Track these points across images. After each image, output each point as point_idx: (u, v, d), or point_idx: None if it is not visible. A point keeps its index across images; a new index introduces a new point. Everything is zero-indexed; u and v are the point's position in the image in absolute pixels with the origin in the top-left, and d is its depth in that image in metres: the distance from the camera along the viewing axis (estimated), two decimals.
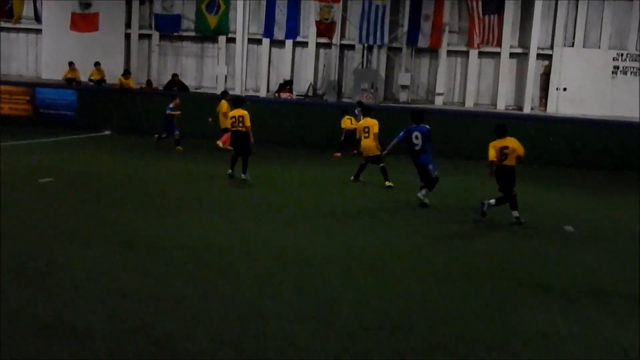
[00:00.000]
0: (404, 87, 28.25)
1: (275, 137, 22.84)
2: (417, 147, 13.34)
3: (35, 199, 11.98)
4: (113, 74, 28.07)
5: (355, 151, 21.67)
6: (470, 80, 28.28)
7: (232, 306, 6.68)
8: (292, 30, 27.58)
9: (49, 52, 30.20)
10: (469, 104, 28.10)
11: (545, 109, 27.41)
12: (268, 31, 27.79)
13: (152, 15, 29.86)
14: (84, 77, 27.67)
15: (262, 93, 29.14)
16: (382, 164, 15.64)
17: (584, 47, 27.36)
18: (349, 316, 6.58)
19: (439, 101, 28.29)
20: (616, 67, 26.89)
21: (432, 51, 28.45)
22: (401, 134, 13.63)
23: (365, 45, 28.18)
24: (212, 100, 22.78)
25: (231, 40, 28.94)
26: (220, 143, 20.74)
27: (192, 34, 29.54)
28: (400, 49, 28.55)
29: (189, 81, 29.32)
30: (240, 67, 28.28)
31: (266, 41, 29.06)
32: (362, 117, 17.66)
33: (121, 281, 7.31)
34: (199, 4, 27.95)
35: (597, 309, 7.34)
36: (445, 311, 6.93)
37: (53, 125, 24.84)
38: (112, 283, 7.21)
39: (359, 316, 6.60)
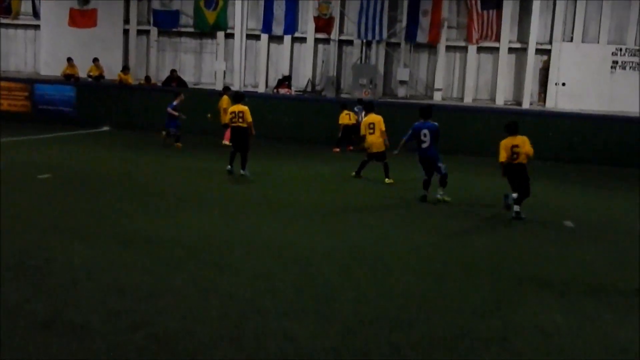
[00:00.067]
0: (402, 82, 28.24)
1: (274, 133, 22.80)
2: (425, 145, 13.31)
3: (34, 195, 11.97)
4: (111, 70, 28.06)
5: (352, 147, 21.72)
6: (469, 76, 28.26)
7: (231, 303, 6.69)
8: (291, 25, 27.57)
9: (48, 48, 30.17)
10: (468, 100, 28.09)
11: (544, 104, 27.40)
12: (266, 27, 27.78)
13: (150, 11, 29.82)
14: (82, 73, 27.64)
15: (261, 89, 29.13)
16: (385, 161, 15.63)
17: (582, 42, 27.33)
18: (348, 313, 6.59)
19: (437, 97, 28.27)
20: (615, 62, 26.86)
21: (431, 46, 28.42)
22: (409, 131, 13.59)
23: (364, 40, 28.15)
24: (213, 96, 22.78)
25: (230, 36, 28.94)
26: (227, 142, 20.60)
27: (191, 29, 29.51)
28: (398, 45, 28.52)
29: (188, 77, 29.30)
30: (239, 63, 28.30)
31: (265, 37, 29.03)
32: (363, 114, 17.69)
33: (120, 278, 7.31)
34: (197, 0, 27.93)
35: (596, 305, 7.35)
36: (444, 307, 6.94)
37: (52, 121, 24.85)
38: (111, 280, 7.22)
39: (358, 312, 6.61)
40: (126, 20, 30.15)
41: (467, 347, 5.88)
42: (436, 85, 28.44)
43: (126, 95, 25.85)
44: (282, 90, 27.52)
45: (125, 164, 16.49)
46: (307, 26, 28.76)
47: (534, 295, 7.54)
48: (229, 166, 15.55)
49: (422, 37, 27.41)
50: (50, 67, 29.38)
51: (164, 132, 20.58)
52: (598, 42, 27.21)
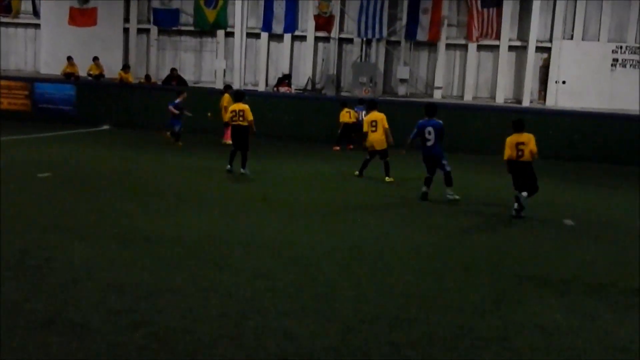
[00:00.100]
0: (402, 80, 28.25)
1: (274, 132, 22.79)
2: (430, 143, 13.30)
3: (34, 194, 11.97)
4: (111, 68, 28.06)
5: (352, 146, 21.72)
6: (469, 74, 28.27)
7: (231, 302, 6.68)
8: (291, 24, 27.58)
9: (48, 47, 30.18)
10: (468, 98, 28.10)
11: (544, 102, 27.42)
12: (266, 25, 27.79)
13: (150, 9, 29.84)
14: (82, 72, 27.64)
15: (261, 87, 29.15)
16: (387, 159, 15.62)
17: (583, 39, 27.35)
18: (348, 312, 6.59)
19: (437, 95, 28.28)
20: (615, 60, 26.88)
21: (431, 45, 28.44)
22: (414, 130, 13.57)
23: (364, 39, 28.17)
24: (213, 94, 22.80)
25: (230, 35, 28.94)
26: (227, 141, 20.61)
27: (191, 28, 29.53)
28: (399, 43, 28.53)
29: (188, 76, 29.32)
30: (239, 62, 28.28)
31: (265, 35, 29.04)
32: (363, 113, 17.65)
33: (120, 277, 7.31)
34: None
35: (596, 303, 7.34)
36: (444, 306, 6.94)
37: (52, 120, 24.87)
38: (111, 279, 7.21)
39: (358, 311, 6.61)
40: (126, 19, 30.17)
41: (467, 346, 5.87)
42: (436, 84, 28.45)
43: (126, 94, 25.87)
44: (282, 89, 27.53)
45: (125, 163, 16.48)
46: (307, 24, 28.77)
47: (534, 294, 7.54)
48: (229, 166, 15.55)
49: (422, 35, 27.42)
50: (50, 65, 29.39)
51: (168, 133, 20.54)
52: (598, 40, 27.23)
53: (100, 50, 28.46)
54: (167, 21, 29.26)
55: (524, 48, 27.51)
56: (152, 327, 5.90)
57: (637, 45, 26.89)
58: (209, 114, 21.37)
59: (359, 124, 20.90)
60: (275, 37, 29.07)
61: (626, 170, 20.31)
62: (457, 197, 13.25)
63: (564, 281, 8.09)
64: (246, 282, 7.35)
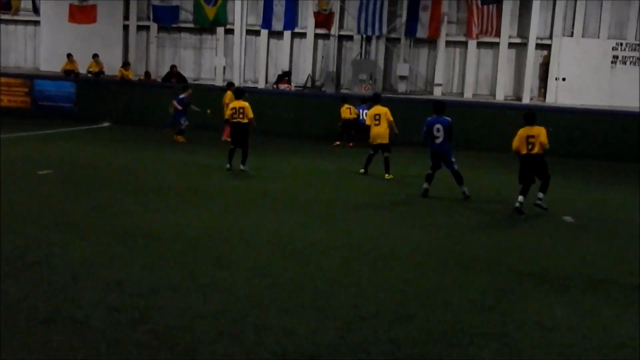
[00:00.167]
0: (402, 77, 28.23)
1: (274, 128, 22.77)
2: (439, 140, 13.27)
3: (34, 191, 11.97)
4: (111, 65, 28.04)
5: (352, 144, 21.71)
6: (469, 71, 28.24)
7: (231, 298, 6.69)
8: (291, 21, 27.55)
9: (47, 44, 30.15)
10: (468, 95, 28.07)
11: (544, 99, 27.39)
12: (266, 22, 27.77)
13: (150, 6, 29.80)
14: (82, 69, 27.61)
15: (261, 84, 29.12)
16: (388, 154, 15.60)
17: (583, 36, 27.31)
18: (348, 307, 6.59)
19: (437, 92, 28.26)
20: (615, 57, 26.85)
21: (431, 42, 28.41)
22: (424, 128, 13.52)
23: (364, 36, 28.15)
24: (212, 91, 22.79)
25: (229, 32, 28.93)
26: (227, 138, 20.60)
27: (190, 25, 29.48)
28: (398, 40, 28.51)
29: (188, 73, 29.26)
30: (239, 59, 28.27)
31: (264, 32, 29.00)
32: (365, 113, 17.61)
33: (120, 273, 7.32)
34: None
35: (595, 299, 7.36)
36: (444, 301, 6.95)
37: (52, 117, 24.84)
38: (110, 275, 7.22)
39: (357, 307, 6.62)
40: (126, 16, 30.12)
41: (466, 343, 5.88)
42: (436, 81, 28.42)
43: (126, 91, 25.84)
44: (282, 86, 27.50)
45: (125, 160, 16.48)
46: (307, 22, 28.74)
47: (533, 291, 7.54)
48: (228, 165, 15.53)
49: (422, 32, 27.39)
50: (50, 63, 29.36)
51: (176, 136, 20.52)
52: (598, 37, 27.19)
53: (100, 47, 28.43)
54: (166, 18, 29.23)
55: (524, 45, 27.47)
56: (152, 324, 5.90)
57: (637, 42, 26.86)
58: (209, 111, 21.35)
59: (359, 121, 20.90)
60: (275, 34, 29.04)
61: (626, 167, 20.31)
62: (468, 193, 13.27)
63: (564, 278, 8.10)
64: (246, 279, 7.36)
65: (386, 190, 14.27)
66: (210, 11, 27.76)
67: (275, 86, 27.90)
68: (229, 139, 16.66)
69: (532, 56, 27.30)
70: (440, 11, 27.32)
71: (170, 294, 6.72)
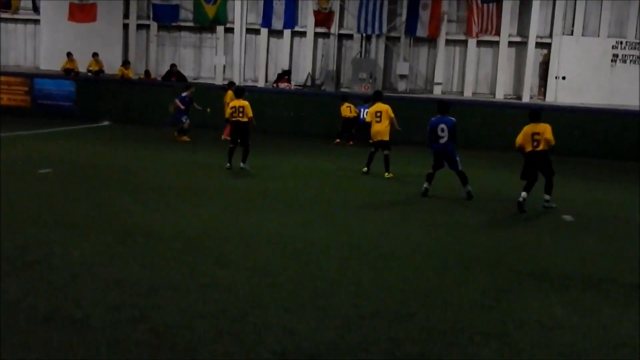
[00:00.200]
0: (402, 76, 28.22)
1: (274, 127, 22.77)
2: (443, 140, 13.24)
3: (35, 189, 11.97)
4: (111, 64, 28.05)
5: (352, 142, 21.71)
6: (468, 70, 28.23)
7: (231, 297, 6.69)
8: (290, 20, 27.53)
9: (47, 43, 30.14)
10: (468, 94, 28.06)
11: (544, 98, 27.37)
12: (266, 21, 27.74)
13: (150, 5, 29.77)
14: (82, 68, 27.62)
15: (261, 83, 29.10)
16: (388, 152, 15.59)
17: (583, 35, 27.29)
18: (348, 306, 6.59)
19: (437, 90, 28.26)
20: (615, 56, 26.83)
21: (431, 40, 28.39)
22: (428, 128, 13.46)
23: (364, 34, 28.12)
24: (212, 90, 22.78)
25: (229, 31, 28.92)
26: (227, 137, 20.56)
27: (190, 24, 29.47)
28: (398, 39, 28.50)
29: (187, 72, 29.26)
30: (239, 57, 28.26)
31: (264, 31, 28.98)
32: (365, 112, 17.60)
33: (120, 273, 7.32)
34: None
35: (595, 297, 7.36)
36: (444, 300, 6.94)
37: (51, 115, 24.86)
38: (110, 274, 7.22)
39: (357, 306, 6.61)
40: (126, 15, 30.10)
41: (466, 342, 5.88)
42: (436, 79, 28.41)
43: (126, 90, 25.84)
44: (282, 85, 27.50)
45: (125, 159, 16.48)
46: (306, 20, 28.73)
47: (533, 290, 7.54)
48: (228, 164, 15.53)
49: (421, 31, 27.36)
50: (50, 61, 29.35)
51: (176, 133, 20.50)
52: (598, 36, 27.18)
53: (99, 46, 28.44)
54: (166, 17, 29.20)
55: (524, 44, 27.45)
56: (151, 323, 5.90)
57: (637, 40, 26.84)
58: (208, 110, 21.36)
59: (360, 119, 20.89)
60: (275, 33, 29.01)
61: (626, 165, 20.31)
62: (472, 193, 13.26)
63: (564, 277, 8.10)
64: (246, 278, 7.36)
65: (386, 189, 14.27)
66: (210, 10, 27.75)
67: (275, 85, 27.90)
68: (229, 138, 16.67)
69: (532, 55, 27.29)
70: (440, 10, 27.30)
71: (170, 293, 6.72)
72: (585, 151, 21.96)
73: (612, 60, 26.78)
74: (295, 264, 8.09)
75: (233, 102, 15.95)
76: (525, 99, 27.09)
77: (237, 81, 26.35)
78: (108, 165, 15.22)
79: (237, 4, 27.41)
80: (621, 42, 26.78)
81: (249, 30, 29.18)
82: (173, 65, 28.00)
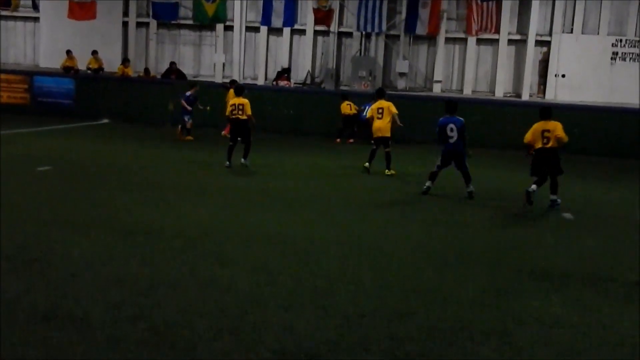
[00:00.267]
0: (402, 74, 28.22)
1: (274, 126, 22.75)
2: (453, 140, 13.18)
3: (34, 187, 11.97)
4: (111, 62, 28.04)
5: (352, 140, 21.71)
6: (468, 68, 28.22)
7: (230, 295, 6.69)
8: (290, 18, 27.51)
9: (47, 41, 30.13)
10: (467, 91, 28.07)
11: (544, 96, 27.36)
12: (266, 19, 27.72)
13: (149, 3, 29.74)
14: (81, 66, 27.62)
15: (260, 81, 29.10)
16: (389, 150, 15.58)
17: (582, 33, 27.27)
18: (347, 304, 6.59)
19: (437, 88, 28.25)
20: (615, 54, 26.82)
21: (430, 38, 28.38)
22: (437, 129, 13.34)
23: (363, 32, 28.11)
24: (212, 88, 22.77)
25: (229, 29, 28.91)
26: (226, 134, 20.52)
27: (190, 22, 29.45)
28: (398, 37, 28.48)
29: (187, 69, 29.26)
30: (238, 55, 28.25)
31: (264, 29, 28.97)
32: (367, 109, 17.61)
33: (119, 269, 7.32)
34: None
35: (595, 295, 7.36)
36: (443, 298, 6.94)
37: (51, 113, 24.84)
38: (110, 271, 7.22)
39: (357, 304, 6.61)
40: (125, 13, 30.09)
41: (466, 340, 5.87)
42: (435, 77, 28.41)
43: (125, 88, 25.83)
44: (282, 83, 27.50)
45: (124, 157, 16.48)
46: (306, 18, 28.72)
47: (533, 288, 7.54)
48: (227, 162, 15.53)
49: (421, 29, 27.35)
50: (50, 59, 29.34)
51: (179, 127, 20.48)
52: (598, 34, 27.16)
53: (99, 44, 28.43)
54: (166, 15, 29.15)
55: (524, 42, 27.44)
56: (151, 320, 5.90)
57: (637, 38, 26.81)
58: (207, 108, 21.34)
59: (361, 117, 20.87)
60: (275, 31, 29.00)
61: (626, 163, 20.30)
62: (474, 193, 13.26)
63: (564, 275, 8.10)
64: (245, 276, 7.35)
65: (387, 187, 14.26)
66: (210, 8, 27.72)
67: (274, 83, 27.90)
68: (229, 135, 16.66)
69: (532, 53, 27.28)
70: (439, 8, 27.30)
71: (170, 291, 6.72)
72: (584, 149, 21.89)
73: (611, 58, 26.77)
74: (295, 262, 8.08)
75: (233, 100, 15.97)
76: (525, 97, 27.09)
77: (237, 79, 26.31)
78: (108, 163, 15.22)
79: (237, 2, 27.39)
80: (621, 40, 26.77)
81: (249, 28, 29.17)
82: (172, 63, 27.98)
